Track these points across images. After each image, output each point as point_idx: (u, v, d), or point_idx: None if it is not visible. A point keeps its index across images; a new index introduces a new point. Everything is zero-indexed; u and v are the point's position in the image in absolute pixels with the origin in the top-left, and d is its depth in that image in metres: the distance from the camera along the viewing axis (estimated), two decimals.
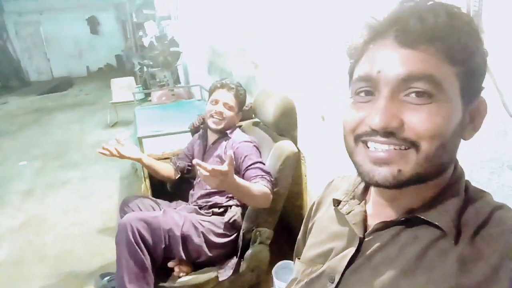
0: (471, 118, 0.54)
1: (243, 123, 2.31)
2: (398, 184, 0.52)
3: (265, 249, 1.85)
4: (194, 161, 1.39)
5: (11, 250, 2.94)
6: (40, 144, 5.72)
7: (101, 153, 1.92)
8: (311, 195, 2.03)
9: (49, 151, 5.33)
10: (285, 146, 1.85)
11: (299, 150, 1.89)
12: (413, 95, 0.50)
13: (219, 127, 1.94)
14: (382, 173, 0.52)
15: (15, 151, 5.46)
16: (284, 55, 2.04)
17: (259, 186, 1.63)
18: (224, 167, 1.35)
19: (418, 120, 0.50)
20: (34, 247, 2.94)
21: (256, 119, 2.23)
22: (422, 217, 0.54)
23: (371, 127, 0.52)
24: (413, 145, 0.51)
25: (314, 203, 0.84)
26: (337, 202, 0.70)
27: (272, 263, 1.88)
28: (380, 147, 0.53)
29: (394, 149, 0.52)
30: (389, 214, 0.60)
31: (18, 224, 3.33)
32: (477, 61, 0.51)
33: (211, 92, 2.01)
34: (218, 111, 1.93)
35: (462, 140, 0.55)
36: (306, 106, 1.88)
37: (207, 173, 1.35)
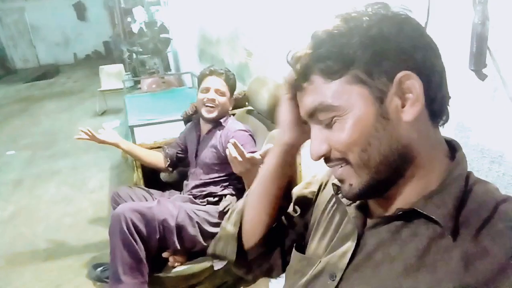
0: (402, 99, 0.52)
1: (236, 111, 2.29)
2: (356, 197, 0.58)
3: None
4: (231, 141, 1.29)
5: (2, 242, 2.90)
6: (28, 134, 5.63)
7: (79, 138, 1.96)
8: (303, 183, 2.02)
9: (38, 141, 5.25)
10: None
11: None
12: (322, 123, 0.57)
13: (213, 115, 1.90)
14: (343, 188, 0.59)
15: (2, 142, 5.37)
16: (278, 41, 2.01)
17: None
18: (258, 156, 1.29)
19: (334, 140, 0.56)
20: (25, 238, 2.91)
21: (250, 107, 2.20)
22: (419, 210, 0.53)
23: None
24: (345, 161, 0.56)
25: (321, 184, 0.81)
26: (337, 189, 0.67)
27: None
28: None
29: (340, 167, 0.57)
30: (388, 209, 0.59)
31: (7, 215, 3.29)
32: (361, 55, 0.52)
33: (200, 80, 1.96)
34: (210, 98, 1.88)
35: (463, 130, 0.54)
36: None
37: (240, 158, 1.28)
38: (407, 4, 0.55)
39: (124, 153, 3.97)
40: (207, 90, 1.90)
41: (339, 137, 0.55)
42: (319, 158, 0.58)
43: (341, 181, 0.59)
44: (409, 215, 0.55)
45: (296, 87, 0.59)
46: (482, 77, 0.76)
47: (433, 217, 0.52)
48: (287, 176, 0.77)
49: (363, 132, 0.53)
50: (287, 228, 0.81)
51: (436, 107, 0.54)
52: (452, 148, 0.59)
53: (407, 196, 0.56)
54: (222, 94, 1.91)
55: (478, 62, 0.74)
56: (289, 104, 0.66)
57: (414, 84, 0.51)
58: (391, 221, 0.57)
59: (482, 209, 0.51)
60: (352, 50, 0.51)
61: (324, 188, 0.80)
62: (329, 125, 0.56)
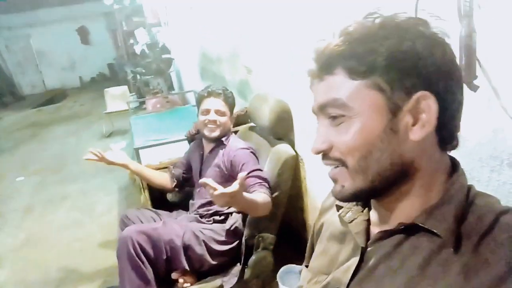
0: (415, 117, 0.53)
1: (239, 128, 2.30)
2: (346, 199, 0.60)
3: (268, 255, 1.84)
4: (201, 181, 1.37)
5: (14, 270, 2.92)
6: (38, 159, 5.70)
7: (88, 159, 1.96)
8: (311, 198, 2.02)
9: (46, 166, 5.31)
10: (283, 149, 1.83)
11: (297, 153, 1.88)
12: (331, 119, 0.57)
13: (216, 134, 1.92)
14: (335, 189, 0.60)
15: (12, 168, 5.44)
16: (277, 58, 2.03)
17: (261, 196, 1.61)
18: (235, 187, 1.32)
19: (337, 140, 0.56)
20: (37, 265, 2.92)
21: (252, 124, 2.21)
22: (420, 225, 0.53)
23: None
24: (342, 162, 0.57)
25: (322, 205, 0.84)
26: (340, 208, 0.69)
27: (276, 268, 1.87)
28: (328, 167, 0.60)
29: (336, 167, 0.58)
30: (390, 223, 0.59)
31: (19, 243, 3.32)
32: (387, 65, 0.51)
33: (199, 102, 1.97)
34: (211, 120, 1.90)
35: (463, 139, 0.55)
36: (302, 108, 1.87)
37: (217, 193, 1.32)
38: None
39: (132, 175, 4.01)
40: (207, 112, 1.92)
41: (343, 139, 0.55)
42: (317, 153, 0.59)
43: (334, 180, 0.60)
44: (410, 229, 0.55)
45: (316, 75, 0.58)
46: (474, 88, 0.76)
47: (435, 231, 0.52)
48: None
49: (367, 140, 0.54)
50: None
51: (446, 133, 0.55)
52: (453, 163, 0.59)
53: (408, 210, 0.57)
54: (223, 114, 1.93)
55: (468, 74, 0.74)
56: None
57: (430, 106, 0.52)
58: (393, 235, 0.58)
59: (482, 221, 0.51)
60: (381, 58, 0.51)
61: (327, 210, 0.82)
62: (336, 123, 0.56)
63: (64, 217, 3.69)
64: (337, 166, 0.58)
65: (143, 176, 2.11)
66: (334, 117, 0.56)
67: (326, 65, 0.56)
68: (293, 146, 1.93)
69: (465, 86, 0.80)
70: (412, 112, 0.52)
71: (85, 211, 3.74)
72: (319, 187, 1.89)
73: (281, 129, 1.91)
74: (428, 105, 0.51)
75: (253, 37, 2.31)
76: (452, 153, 0.94)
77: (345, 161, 0.56)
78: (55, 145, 6.42)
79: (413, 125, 0.53)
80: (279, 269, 1.88)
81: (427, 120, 0.52)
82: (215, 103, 1.92)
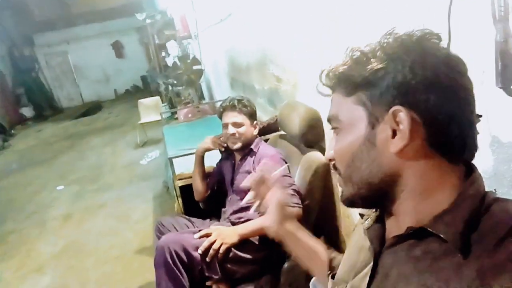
0: (393, 130, 0.55)
1: (269, 136, 2.32)
2: (345, 204, 0.64)
3: None
4: (196, 236, 1.72)
5: (54, 276, 3.04)
6: (76, 169, 5.92)
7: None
8: (344, 206, 2.00)
9: (84, 175, 5.51)
10: (314, 157, 1.83)
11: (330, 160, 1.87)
12: (334, 130, 0.64)
13: (238, 145, 1.98)
14: (341, 194, 0.65)
15: (52, 178, 5.68)
16: (305, 66, 2.04)
17: None
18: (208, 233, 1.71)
19: (333, 149, 0.64)
20: (76, 272, 3.03)
21: (282, 132, 2.22)
22: (429, 229, 0.54)
23: None
24: (338, 170, 0.64)
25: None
26: (363, 216, 0.72)
27: (309, 276, 1.86)
28: None
29: (338, 174, 0.64)
30: (401, 228, 0.60)
31: (59, 250, 3.45)
32: (370, 81, 0.56)
33: (220, 117, 2.07)
34: (230, 133, 1.97)
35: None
36: None
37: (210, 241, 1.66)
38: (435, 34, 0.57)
39: (165, 182, 4.09)
40: (226, 126, 2.00)
41: (334, 148, 0.64)
42: (327, 160, 0.67)
43: (340, 186, 0.66)
44: (420, 234, 0.56)
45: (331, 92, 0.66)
46: (511, 93, 0.75)
47: (441, 235, 0.52)
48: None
49: (349, 150, 0.60)
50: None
51: (445, 145, 0.55)
52: (470, 169, 0.58)
53: (418, 215, 0.57)
54: (240, 125, 1.97)
55: (504, 79, 0.73)
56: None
57: (403, 120, 0.53)
58: (404, 240, 0.58)
59: (499, 227, 0.50)
60: (365, 76, 0.56)
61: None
62: (336, 134, 0.64)
63: (101, 225, 3.81)
64: (338, 174, 0.64)
65: (197, 176, 2.18)
66: (334, 129, 0.64)
67: (332, 85, 0.64)
68: (324, 153, 1.92)
69: (501, 91, 0.79)
70: (392, 125, 0.55)
71: (121, 218, 3.86)
72: None
73: (312, 136, 1.91)
74: (401, 119, 0.53)
75: (281, 46, 2.33)
76: (493, 159, 0.93)
77: (338, 169, 0.63)
78: (92, 155, 6.66)
79: (393, 137, 0.55)
80: (312, 277, 1.86)
81: (404, 133, 0.54)
82: (230, 116, 1.98)
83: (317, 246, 0.95)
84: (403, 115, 0.53)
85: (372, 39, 0.60)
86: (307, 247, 0.96)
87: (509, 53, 0.72)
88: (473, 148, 0.58)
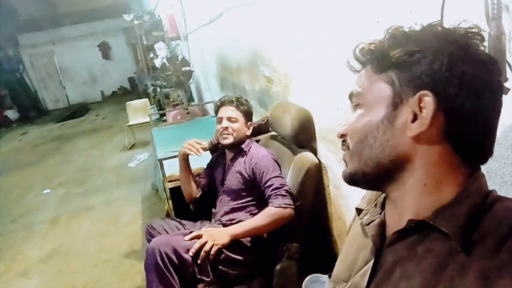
0: (414, 115, 0.55)
1: (260, 137, 2.31)
2: (346, 180, 0.65)
3: (293, 264, 1.83)
4: (187, 238, 1.70)
5: (41, 281, 2.99)
6: (62, 172, 5.84)
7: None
8: (335, 206, 2.00)
9: (71, 179, 5.43)
10: (306, 158, 1.83)
11: (320, 161, 1.88)
12: (353, 107, 0.64)
13: (229, 141, 1.96)
14: (343, 170, 0.66)
15: (38, 181, 5.58)
16: (296, 67, 2.04)
17: (267, 212, 1.71)
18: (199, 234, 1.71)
19: (347, 122, 0.64)
20: (64, 276, 2.98)
21: (273, 133, 2.22)
22: (430, 222, 0.54)
23: None
24: (348, 145, 0.64)
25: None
26: (360, 211, 0.71)
27: (302, 277, 1.85)
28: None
29: (347, 149, 0.64)
30: (401, 222, 0.59)
31: (46, 253, 3.39)
32: (403, 62, 0.56)
33: (216, 113, 2.08)
34: (224, 127, 1.96)
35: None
36: (324, 115, 1.87)
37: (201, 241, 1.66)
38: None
39: (154, 185, 4.06)
40: (220, 120, 2.00)
41: (350, 121, 0.63)
42: (338, 136, 0.67)
43: (345, 162, 0.66)
44: (421, 228, 0.56)
45: (361, 66, 0.66)
46: (505, 91, 0.75)
47: (442, 228, 0.52)
48: None
49: (365, 126, 0.60)
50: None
51: (461, 143, 0.55)
52: (476, 167, 0.59)
53: (420, 207, 0.57)
54: (235, 120, 1.98)
55: None
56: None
57: (428, 106, 0.54)
58: (406, 236, 0.58)
59: (501, 226, 0.50)
60: (399, 56, 0.56)
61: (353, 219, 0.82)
62: (354, 110, 0.63)
63: (89, 228, 3.76)
64: (347, 149, 0.64)
65: (188, 183, 2.13)
66: (355, 105, 0.63)
67: (364, 60, 0.63)
68: (315, 154, 1.93)
69: None
70: (413, 108, 0.55)
71: (109, 221, 3.81)
72: (343, 195, 1.88)
73: (303, 137, 1.91)
74: (425, 105, 0.54)
75: (272, 46, 2.33)
76: None
77: (348, 143, 0.63)
78: (79, 157, 6.58)
79: (413, 122, 0.55)
80: (304, 278, 1.86)
81: (426, 118, 0.54)
82: (227, 111, 1.99)
83: None
84: (429, 100, 0.53)
85: (372, 39, 0.61)
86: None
87: (502, 50, 0.72)
88: (489, 152, 0.58)
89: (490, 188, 0.58)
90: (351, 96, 0.64)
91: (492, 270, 0.48)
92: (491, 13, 0.73)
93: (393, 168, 0.58)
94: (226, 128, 1.96)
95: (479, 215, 0.53)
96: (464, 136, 0.55)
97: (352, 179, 0.63)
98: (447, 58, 0.53)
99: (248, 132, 2.04)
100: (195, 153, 2.03)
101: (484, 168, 0.94)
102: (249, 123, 2.04)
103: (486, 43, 0.56)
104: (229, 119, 1.98)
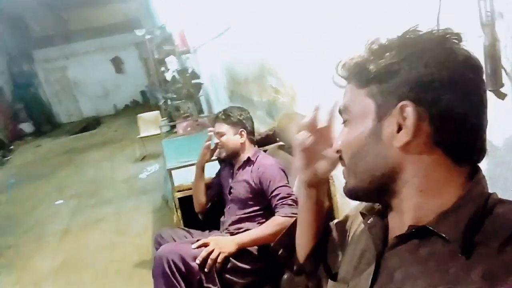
0: (399, 125, 0.56)
1: (268, 147, 2.33)
2: (348, 196, 0.65)
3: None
4: (194, 246, 1.72)
5: None
6: (74, 184, 5.91)
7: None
8: (342, 214, 2.00)
9: (83, 190, 5.49)
10: None
11: None
12: (344, 122, 0.65)
13: (224, 154, 2.05)
14: (344, 185, 0.65)
15: (50, 193, 5.65)
16: (302, 78, 2.07)
17: (274, 221, 1.73)
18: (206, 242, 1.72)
19: (340, 139, 0.65)
20: (75, 287, 3.00)
21: (281, 143, 2.24)
22: (431, 228, 0.54)
23: None
24: (343, 161, 0.65)
25: (347, 216, 0.86)
26: (364, 215, 0.70)
27: None
28: None
29: (342, 165, 0.65)
30: (403, 228, 0.59)
31: (58, 264, 3.42)
32: (382, 75, 0.57)
33: None
34: (215, 143, 2.07)
35: None
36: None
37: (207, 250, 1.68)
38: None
39: (164, 196, 4.08)
40: (214, 137, 2.09)
41: (342, 138, 0.64)
42: (335, 151, 0.68)
43: (344, 178, 0.66)
44: (423, 233, 0.56)
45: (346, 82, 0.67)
46: (502, 96, 0.77)
47: (442, 234, 0.52)
48: (323, 206, 0.86)
49: (355, 141, 0.61)
50: (329, 246, 0.87)
51: (451, 146, 0.55)
52: (475, 170, 0.58)
53: (420, 212, 0.57)
54: (222, 134, 2.04)
55: (494, 82, 0.75)
56: (300, 153, 0.76)
57: (409, 115, 0.54)
58: (407, 240, 0.58)
59: (504, 227, 0.51)
60: (378, 69, 0.57)
61: (355, 218, 0.82)
62: (345, 126, 0.64)
63: (100, 239, 3.79)
64: (345, 165, 0.65)
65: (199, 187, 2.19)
66: (345, 121, 0.64)
67: (347, 76, 0.64)
68: None
69: (493, 95, 0.81)
70: (397, 119, 0.55)
71: (120, 232, 3.83)
72: (349, 204, 1.88)
73: None
74: (407, 115, 0.54)
75: (279, 58, 2.36)
76: (486, 163, 0.94)
77: (343, 159, 0.64)
78: (91, 169, 6.65)
79: (398, 132, 0.56)
80: None
81: (409, 127, 0.54)
82: (216, 127, 2.07)
83: (315, 230, 0.86)
84: (410, 110, 0.54)
85: (353, 54, 0.62)
86: (311, 221, 0.86)
87: (497, 56, 0.74)
88: (481, 151, 0.58)
89: (490, 190, 0.58)
90: (340, 112, 0.66)
91: (495, 272, 0.48)
92: (485, 20, 0.75)
93: (388, 180, 0.59)
94: (217, 143, 2.06)
95: (481, 218, 0.53)
96: (452, 140, 0.55)
97: (352, 195, 0.65)
98: (423, 65, 0.54)
99: (242, 139, 2.05)
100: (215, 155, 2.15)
101: (486, 174, 0.95)
102: (240, 130, 2.06)
103: (464, 43, 0.56)
104: (217, 134, 2.05)
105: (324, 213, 0.87)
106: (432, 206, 0.56)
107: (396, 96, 0.55)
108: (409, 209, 0.59)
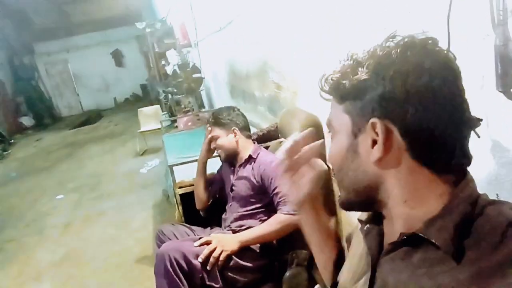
0: (374, 141, 0.56)
1: (270, 144, 2.32)
2: (342, 207, 0.66)
3: (303, 271, 1.81)
4: (196, 243, 1.70)
5: (53, 285, 3.02)
6: (75, 178, 5.91)
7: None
8: (345, 213, 1.99)
9: (83, 184, 5.49)
10: (315, 164, 1.83)
11: (329, 168, 1.87)
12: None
13: (223, 156, 2.05)
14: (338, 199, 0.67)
15: (51, 186, 5.66)
16: (305, 73, 2.05)
17: (276, 219, 1.73)
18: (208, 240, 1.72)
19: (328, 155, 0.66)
20: (76, 280, 3.01)
21: (283, 139, 2.22)
22: (421, 235, 0.54)
23: None
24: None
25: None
26: (362, 222, 0.72)
27: (311, 284, 1.85)
28: None
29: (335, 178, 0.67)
30: (395, 235, 0.60)
31: (58, 258, 3.43)
32: (354, 92, 0.57)
33: None
34: (213, 147, 2.07)
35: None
36: None
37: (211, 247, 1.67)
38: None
39: (165, 191, 4.09)
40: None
41: (330, 152, 0.65)
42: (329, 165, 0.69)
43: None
44: (414, 240, 0.56)
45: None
46: (511, 97, 0.75)
47: (433, 241, 0.52)
48: (326, 222, 0.89)
49: (338, 155, 0.62)
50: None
51: (432, 156, 0.55)
52: (462, 174, 0.58)
53: (409, 221, 0.58)
54: (216, 138, 2.04)
55: (504, 83, 0.74)
56: (284, 177, 0.79)
57: (379, 131, 0.55)
58: (400, 247, 0.58)
59: (494, 230, 0.50)
60: (350, 86, 0.58)
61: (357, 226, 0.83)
62: (331, 139, 0.65)
63: (101, 233, 3.79)
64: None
65: (200, 184, 2.19)
66: (331, 135, 0.66)
67: (328, 91, 0.64)
68: (325, 160, 1.92)
69: (501, 95, 0.80)
70: (370, 135, 0.56)
71: (121, 227, 3.84)
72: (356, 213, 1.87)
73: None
74: (380, 132, 0.55)
75: (282, 53, 2.34)
76: (494, 164, 0.93)
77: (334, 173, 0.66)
78: (92, 163, 6.65)
79: (372, 147, 0.56)
80: (314, 286, 1.85)
81: (380, 144, 0.55)
82: (211, 132, 2.07)
83: (329, 247, 0.89)
84: (379, 125, 0.54)
85: (371, 40, 0.61)
86: (319, 241, 0.90)
87: (508, 56, 0.72)
88: (463, 156, 0.56)
89: (497, 192, 0.58)
90: (327, 125, 0.67)
91: (484, 274, 0.48)
92: (497, 19, 0.73)
93: (371, 193, 0.60)
94: (215, 147, 2.06)
95: (471, 221, 0.52)
96: (427, 152, 0.55)
97: (346, 207, 0.66)
98: (388, 80, 0.53)
99: (236, 137, 2.04)
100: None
101: (493, 175, 0.95)
102: (233, 128, 2.04)
103: (441, 44, 0.55)
104: (212, 138, 2.06)
105: (329, 228, 0.89)
106: (418, 215, 0.56)
107: (367, 112, 0.56)
108: (398, 218, 0.60)
